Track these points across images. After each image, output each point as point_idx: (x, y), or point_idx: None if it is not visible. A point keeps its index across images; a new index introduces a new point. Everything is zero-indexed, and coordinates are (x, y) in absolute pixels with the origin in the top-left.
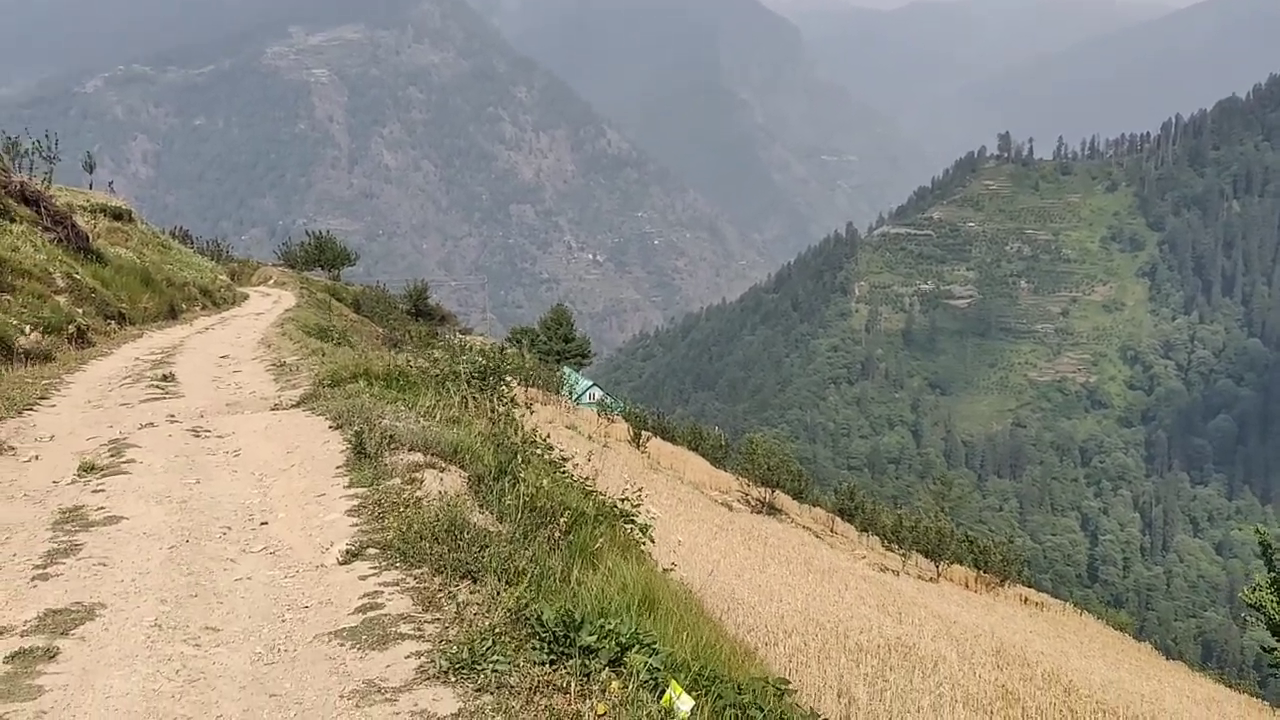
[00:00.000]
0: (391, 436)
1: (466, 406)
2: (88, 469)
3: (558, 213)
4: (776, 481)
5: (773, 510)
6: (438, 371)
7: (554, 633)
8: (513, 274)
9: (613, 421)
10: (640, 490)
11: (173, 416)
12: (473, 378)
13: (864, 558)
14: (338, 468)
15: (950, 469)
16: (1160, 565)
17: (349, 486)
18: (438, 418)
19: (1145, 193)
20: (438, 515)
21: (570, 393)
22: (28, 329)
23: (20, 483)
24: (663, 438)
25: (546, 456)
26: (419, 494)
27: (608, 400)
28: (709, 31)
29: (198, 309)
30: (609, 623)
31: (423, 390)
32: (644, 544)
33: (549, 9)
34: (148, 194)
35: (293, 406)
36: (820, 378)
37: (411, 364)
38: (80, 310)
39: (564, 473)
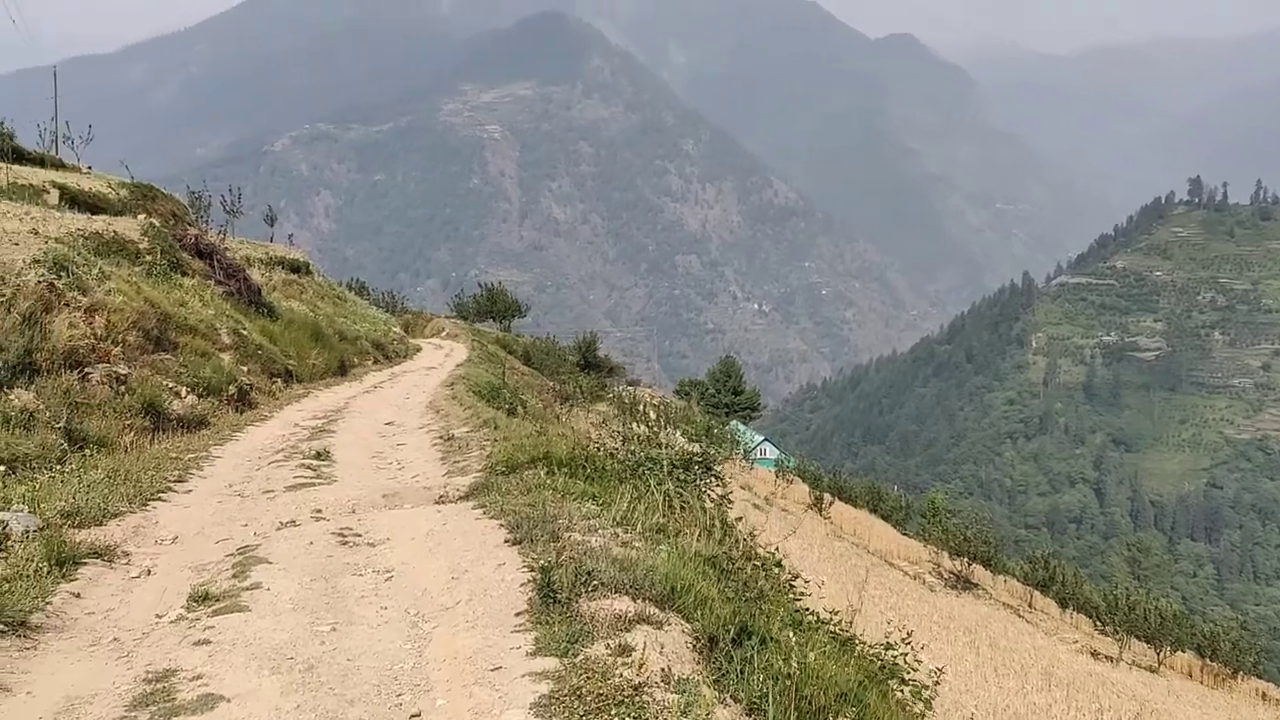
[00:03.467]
0: (589, 573)
1: (671, 508)
2: (200, 598)
3: (723, 263)
4: (972, 553)
5: (968, 585)
6: (631, 458)
7: None
8: (678, 325)
9: (790, 482)
10: (910, 634)
11: (319, 512)
12: (674, 467)
13: (1075, 642)
14: (517, 614)
15: (1138, 530)
16: None
17: (534, 654)
18: (638, 526)
19: None
20: None
21: (744, 450)
22: (184, 391)
23: (117, 614)
24: (840, 498)
25: (794, 597)
26: (634, 677)
27: (784, 458)
28: (877, 80)
29: (369, 363)
30: None
31: (615, 483)
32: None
33: (716, 62)
34: (329, 247)
35: (460, 499)
36: (996, 432)
37: (599, 445)
38: (244, 368)
39: (817, 618)
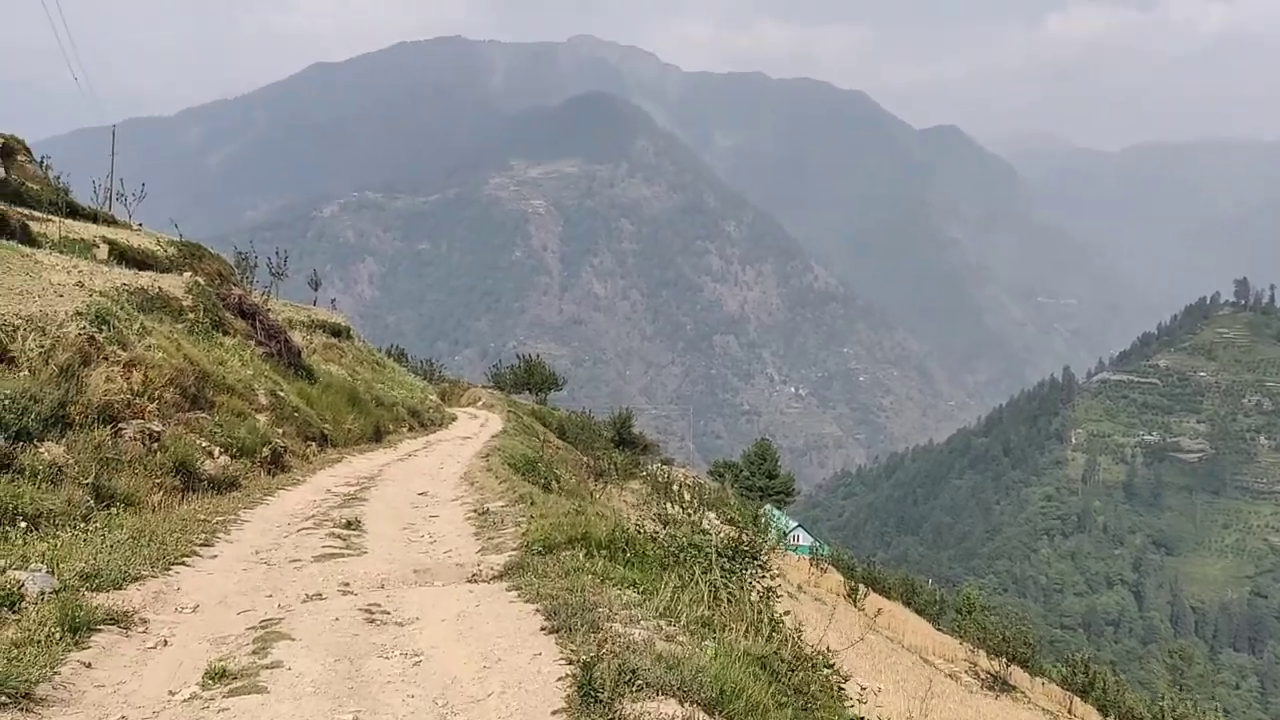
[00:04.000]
0: (634, 671)
1: (717, 599)
2: (217, 675)
3: (761, 345)
4: (1011, 653)
5: (1006, 686)
6: (673, 543)
7: None
8: (713, 404)
9: (824, 571)
10: None
11: (347, 586)
12: (719, 555)
13: None
14: (554, 712)
15: (1178, 636)
16: None
17: None
18: (682, 619)
19: None
20: None
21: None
22: (217, 451)
23: (128, 688)
24: (873, 589)
25: (849, 704)
26: None
27: (819, 547)
28: (920, 169)
29: (404, 430)
30: None
31: (657, 569)
32: None
33: (760, 147)
34: (371, 313)
35: (494, 578)
36: (1032, 528)
37: (639, 527)
38: (279, 430)
39: None
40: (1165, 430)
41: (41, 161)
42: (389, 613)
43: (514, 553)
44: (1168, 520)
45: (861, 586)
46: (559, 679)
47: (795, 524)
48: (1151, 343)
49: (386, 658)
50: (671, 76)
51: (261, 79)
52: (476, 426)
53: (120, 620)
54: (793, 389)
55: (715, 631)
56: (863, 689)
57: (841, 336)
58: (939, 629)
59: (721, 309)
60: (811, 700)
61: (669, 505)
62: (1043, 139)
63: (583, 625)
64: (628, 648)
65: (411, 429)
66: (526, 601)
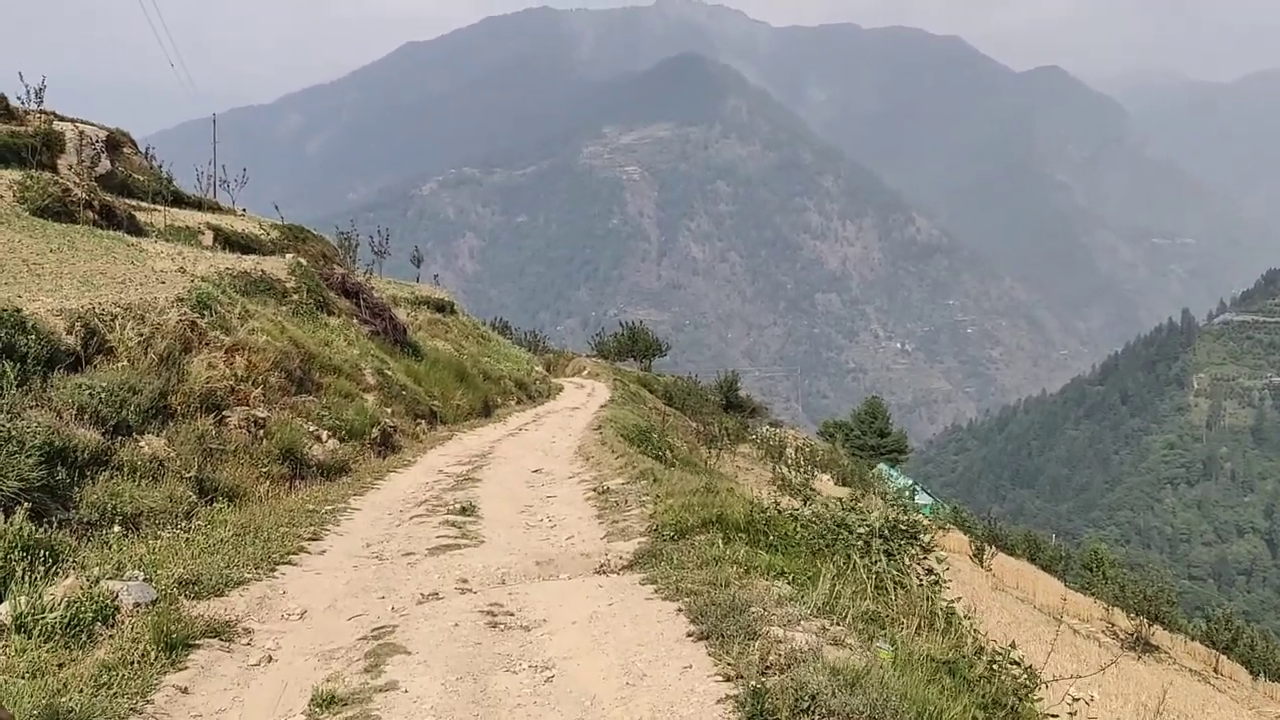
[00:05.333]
0: (812, 698)
1: (882, 589)
2: (325, 701)
3: (864, 301)
4: (1153, 612)
5: (1148, 647)
6: (820, 523)
7: None
8: (818, 364)
9: (946, 531)
10: None
11: (465, 583)
12: (875, 536)
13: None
14: None
15: None
16: None
17: None
18: (847, 616)
19: None
20: None
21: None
22: (324, 435)
23: (225, 717)
24: (995, 547)
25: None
26: None
27: (938, 505)
28: (1023, 113)
29: (512, 403)
30: None
31: (806, 554)
32: None
33: (855, 99)
34: (473, 288)
35: (625, 568)
36: (1154, 477)
37: (774, 504)
38: (388, 410)
39: None
40: None
41: (147, 152)
42: (513, 614)
43: (642, 538)
44: None
45: (990, 548)
46: (718, 700)
47: (911, 482)
48: (1277, 280)
49: (514, 672)
50: (761, 33)
51: (356, 61)
52: (584, 397)
53: (222, 632)
54: (898, 344)
55: (885, 629)
56: (1074, 700)
57: (946, 288)
58: (1069, 587)
59: (822, 266)
60: (1014, 715)
61: (786, 470)
62: (1152, 74)
63: (736, 630)
64: (794, 658)
65: (519, 402)
66: (665, 599)
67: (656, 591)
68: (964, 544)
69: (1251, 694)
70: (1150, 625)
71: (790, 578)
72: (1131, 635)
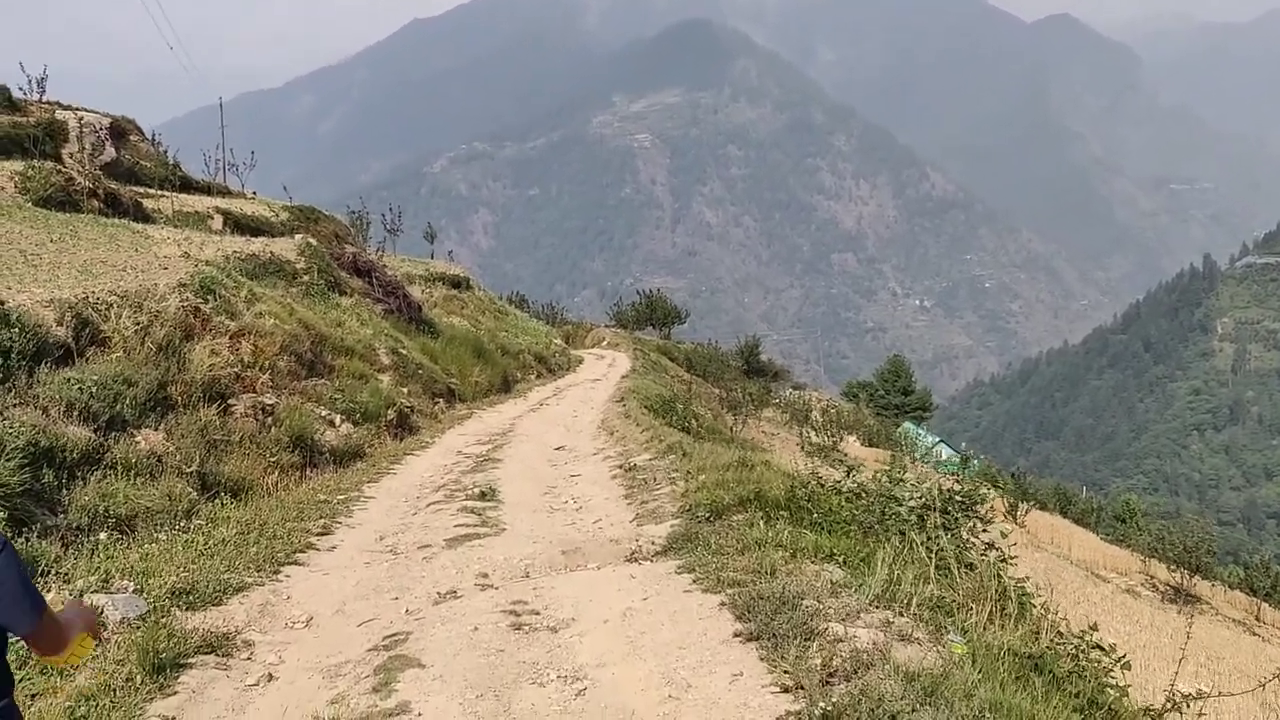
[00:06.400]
0: (880, 700)
1: (945, 570)
2: None
3: (881, 260)
4: (1195, 565)
5: (1189, 599)
6: (863, 495)
7: None
8: (836, 324)
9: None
10: None
11: (485, 577)
12: (930, 511)
13: None
14: None
15: None
16: None
17: None
18: (911, 604)
19: None
20: None
21: (923, 455)
22: (337, 419)
23: None
24: (1026, 501)
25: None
26: None
27: (970, 459)
28: (1035, 64)
29: (532, 377)
30: None
31: (856, 533)
32: None
33: (865, 57)
34: (489, 262)
35: (658, 555)
36: (1181, 424)
37: (814, 476)
38: (404, 390)
39: None
40: None
41: (153, 139)
42: (538, 613)
43: (675, 520)
44: None
45: (1024, 505)
46: (778, 719)
47: (937, 439)
48: None
49: (541, 684)
50: None
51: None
52: (604, 368)
53: (219, 646)
54: (917, 301)
55: (953, 617)
56: (1182, 697)
57: (964, 243)
58: (1105, 540)
59: (837, 226)
60: (1115, 717)
61: (812, 433)
62: (1165, 18)
63: (790, 629)
64: (860, 662)
65: (539, 375)
66: (706, 590)
67: (695, 582)
68: (996, 501)
69: None
70: (1191, 577)
71: (841, 559)
72: (1173, 588)
